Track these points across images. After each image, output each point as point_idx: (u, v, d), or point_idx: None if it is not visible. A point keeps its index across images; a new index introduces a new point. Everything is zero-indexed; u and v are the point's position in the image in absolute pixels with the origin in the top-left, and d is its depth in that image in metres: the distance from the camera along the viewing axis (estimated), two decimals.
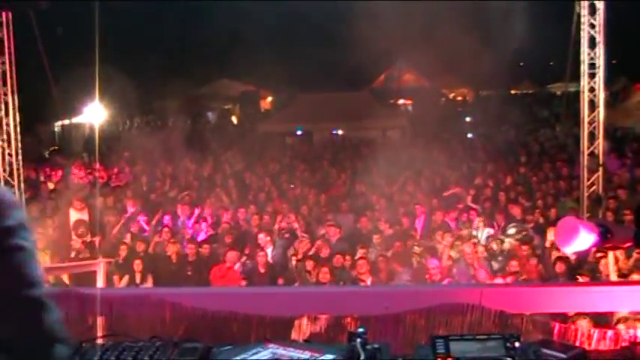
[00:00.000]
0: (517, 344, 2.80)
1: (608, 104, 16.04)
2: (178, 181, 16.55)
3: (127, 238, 12.31)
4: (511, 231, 11.46)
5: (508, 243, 10.93)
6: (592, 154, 12.82)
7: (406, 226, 12.50)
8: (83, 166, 18.21)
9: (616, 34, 13.31)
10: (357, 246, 11.14)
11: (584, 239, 3.55)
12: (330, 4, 19.03)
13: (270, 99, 38.81)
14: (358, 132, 24.87)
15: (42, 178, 17.33)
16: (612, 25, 12.69)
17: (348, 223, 12.89)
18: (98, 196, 13.78)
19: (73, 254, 11.40)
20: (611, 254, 9.09)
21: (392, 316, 3.87)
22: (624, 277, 8.83)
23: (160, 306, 3.99)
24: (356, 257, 10.51)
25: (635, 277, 8.50)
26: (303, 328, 4.18)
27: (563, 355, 2.87)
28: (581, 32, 12.58)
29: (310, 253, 11.07)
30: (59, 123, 29.30)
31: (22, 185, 13.79)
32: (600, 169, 12.81)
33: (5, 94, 13.36)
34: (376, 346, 2.75)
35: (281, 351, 2.85)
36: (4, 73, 13.30)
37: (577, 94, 13.97)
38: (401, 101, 35.50)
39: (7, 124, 13.51)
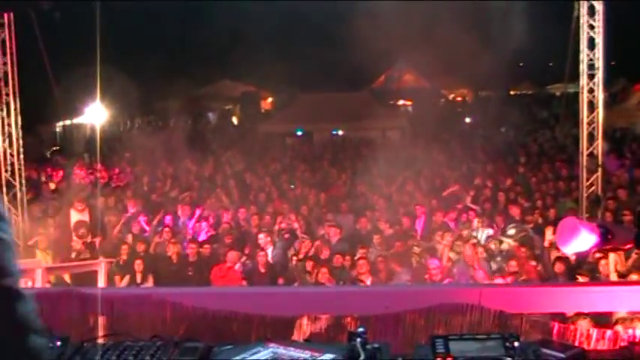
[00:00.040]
0: (516, 344, 2.82)
1: (608, 105, 16.06)
2: (179, 182, 16.57)
3: (128, 239, 12.32)
4: (511, 231, 11.48)
5: (507, 244, 10.94)
6: (591, 155, 12.84)
7: (406, 226, 12.51)
8: (84, 166, 18.23)
9: (615, 35, 13.32)
10: (357, 246, 11.15)
11: (584, 240, 3.57)
12: (330, 4, 19.02)
13: (270, 99, 38.81)
14: (358, 132, 24.89)
15: (43, 179, 17.36)
16: (611, 26, 12.71)
17: (348, 223, 12.91)
18: (99, 196, 13.81)
19: (73, 255, 11.42)
20: (612, 255, 9.11)
21: (392, 316, 3.88)
22: (623, 278, 8.85)
23: (160, 306, 4.00)
24: (356, 257, 10.52)
25: (633, 277, 8.51)
26: (303, 328, 4.20)
27: (562, 355, 2.89)
28: (581, 33, 12.60)
29: (310, 253, 11.10)
30: (60, 123, 29.34)
31: (24, 185, 13.81)
32: (599, 169, 12.84)
33: (7, 95, 13.41)
34: (376, 345, 2.77)
35: (281, 350, 2.87)
36: (5, 73, 13.34)
37: (576, 95, 14.00)
38: (401, 102, 35.52)
39: (9, 125, 13.56)
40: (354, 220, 13.11)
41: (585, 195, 12.79)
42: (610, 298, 4.17)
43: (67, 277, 10.66)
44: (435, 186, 15.31)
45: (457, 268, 10.35)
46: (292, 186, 16.32)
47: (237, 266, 10.74)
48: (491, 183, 15.24)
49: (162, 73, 28.00)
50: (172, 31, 30.28)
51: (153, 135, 21.80)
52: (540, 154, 19.06)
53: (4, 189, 13.54)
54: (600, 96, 12.80)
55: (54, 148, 24.64)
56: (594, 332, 3.89)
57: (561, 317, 5.52)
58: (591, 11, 12.50)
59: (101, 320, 4.00)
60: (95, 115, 24.50)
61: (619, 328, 6.09)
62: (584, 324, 5.73)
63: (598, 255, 9.22)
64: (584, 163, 12.83)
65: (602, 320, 6.43)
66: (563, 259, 9.68)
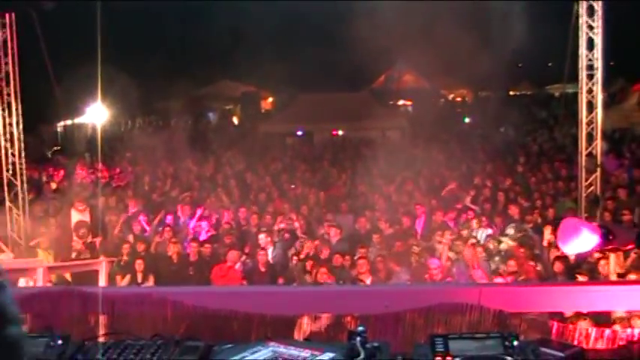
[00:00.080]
0: (515, 343, 2.84)
1: (606, 105, 16.08)
2: (180, 181, 16.58)
3: (129, 238, 12.32)
4: (510, 231, 11.49)
5: (505, 243, 10.95)
6: (590, 155, 12.87)
7: (406, 226, 12.53)
8: (85, 166, 18.25)
9: (614, 35, 13.33)
10: (357, 246, 11.16)
11: (586, 240, 3.59)
12: (330, 4, 19.01)
13: (270, 99, 38.82)
14: (358, 132, 24.89)
15: (44, 178, 17.38)
16: (610, 26, 12.72)
17: (348, 223, 12.93)
18: (100, 196, 13.84)
19: (73, 255, 11.43)
20: (612, 256, 9.11)
21: (391, 315, 3.89)
22: (621, 278, 8.86)
23: (161, 305, 4.02)
24: (356, 257, 10.53)
25: (631, 277, 8.52)
26: (303, 327, 4.21)
27: (561, 354, 2.91)
28: (580, 33, 12.63)
29: (311, 253, 11.10)
30: (62, 123, 29.37)
31: (25, 185, 13.85)
32: (598, 169, 12.87)
33: (8, 95, 13.44)
34: (376, 344, 2.79)
35: (281, 349, 2.88)
36: (7, 73, 13.37)
37: (575, 95, 14.01)
38: (401, 102, 35.53)
39: (10, 124, 13.60)
40: (353, 219, 13.13)
41: (584, 195, 12.81)
42: (609, 298, 4.19)
43: (68, 277, 10.68)
44: (435, 186, 15.32)
45: (456, 268, 10.37)
46: (292, 186, 16.34)
47: (238, 266, 10.75)
48: (491, 183, 15.26)
49: (163, 73, 28.02)
50: (173, 31, 30.28)
51: (154, 135, 21.81)
52: (539, 154, 19.08)
53: (6, 188, 13.58)
54: (599, 96, 12.82)
55: (55, 148, 24.67)
56: (593, 331, 3.92)
57: (560, 317, 5.54)
58: (590, 11, 12.52)
59: (102, 319, 4.02)
60: (96, 114, 24.57)
61: (617, 327, 6.11)
62: (583, 324, 5.75)
63: (597, 255, 9.23)
64: (583, 163, 12.86)
65: (601, 319, 6.44)
66: (563, 258, 9.70)
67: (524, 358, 2.79)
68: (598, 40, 12.58)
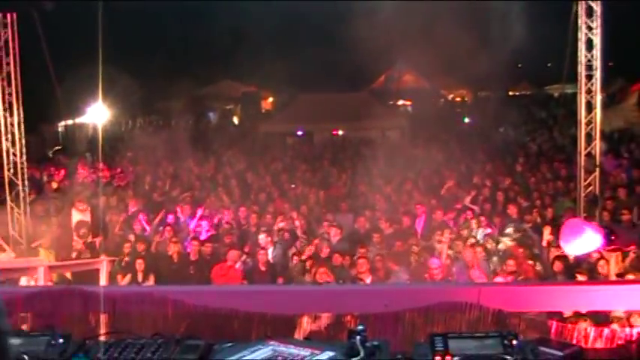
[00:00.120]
0: (515, 342, 2.85)
1: (605, 105, 16.10)
2: (180, 181, 16.60)
3: (131, 237, 12.33)
4: (509, 231, 11.50)
5: (503, 243, 10.95)
6: (589, 155, 12.89)
7: (407, 225, 12.54)
8: (86, 165, 18.27)
9: (613, 35, 13.36)
10: (357, 245, 11.16)
11: (590, 241, 3.61)
12: (330, 4, 19.02)
13: (271, 99, 38.84)
14: (358, 132, 24.92)
15: (46, 178, 17.41)
16: (609, 26, 12.74)
17: (348, 222, 12.94)
18: (101, 195, 13.86)
19: (74, 255, 11.45)
20: (613, 256, 9.14)
21: (391, 315, 3.91)
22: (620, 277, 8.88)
23: (162, 303, 4.04)
24: (356, 256, 10.53)
25: (629, 277, 8.53)
26: (303, 326, 4.23)
27: (559, 353, 2.93)
28: (579, 34, 12.65)
29: (311, 252, 11.10)
30: (63, 123, 29.38)
31: (27, 184, 13.87)
32: (597, 169, 12.89)
33: (10, 95, 13.48)
34: (375, 343, 2.80)
35: (281, 348, 2.89)
36: (8, 73, 13.41)
37: (574, 96, 14.03)
38: (400, 102, 35.54)
39: (12, 124, 13.64)
40: (353, 219, 13.14)
41: (583, 195, 12.84)
42: (608, 297, 4.20)
43: (69, 276, 10.69)
44: (434, 185, 15.33)
45: (456, 268, 10.38)
46: (293, 185, 16.35)
47: (238, 265, 10.76)
48: (490, 183, 15.28)
49: (164, 73, 28.06)
50: (173, 31, 30.29)
51: (154, 135, 21.81)
52: (539, 154, 19.10)
53: (7, 188, 13.61)
54: (598, 96, 12.85)
55: (56, 148, 24.68)
56: (592, 331, 3.93)
57: (559, 316, 5.55)
58: (589, 12, 12.54)
59: (103, 318, 4.03)
60: (97, 114, 24.61)
61: (615, 326, 6.12)
62: (582, 324, 5.76)
63: (596, 255, 9.24)
64: (582, 163, 12.89)
65: (600, 319, 6.46)
66: (562, 258, 9.72)
67: (524, 357, 2.80)
68: (597, 41, 12.60)
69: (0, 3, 13.06)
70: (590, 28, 12.59)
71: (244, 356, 2.84)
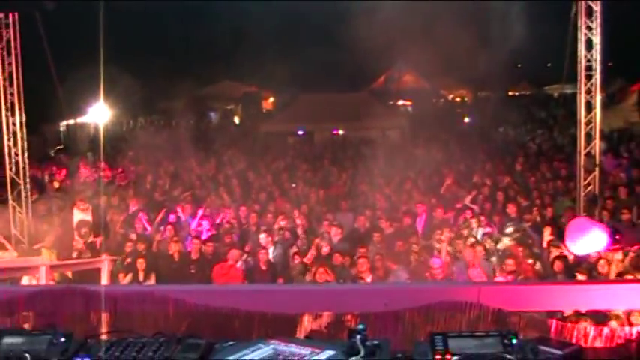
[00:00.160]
0: (514, 341, 2.85)
1: (605, 105, 16.12)
2: (182, 180, 16.62)
3: (133, 236, 12.35)
4: (509, 230, 11.51)
5: (502, 243, 10.97)
6: (589, 155, 12.91)
7: (407, 224, 12.54)
8: (88, 165, 18.31)
9: (612, 35, 13.38)
10: (357, 244, 11.16)
11: (596, 240, 3.62)
12: (330, 4, 19.04)
13: (271, 99, 38.90)
14: (358, 132, 24.96)
15: (47, 177, 17.45)
16: (609, 26, 12.76)
17: (348, 221, 12.95)
18: (103, 195, 13.89)
19: (75, 254, 11.46)
20: (615, 255, 9.15)
21: (391, 314, 3.92)
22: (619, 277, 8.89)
23: (163, 303, 4.05)
24: (356, 256, 10.53)
25: (628, 277, 8.55)
26: (304, 325, 4.23)
27: (559, 352, 2.93)
28: (578, 34, 12.66)
29: (311, 252, 11.10)
30: (64, 123, 29.44)
31: (28, 184, 13.90)
32: (597, 169, 12.91)
33: (12, 95, 13.53)
34: (376, 342, 2.81)
35: (282, 347, 2.90)
36: (10, 73, 13.46)
37: (574, 96, 14.04)
38: (400, 102, 35.58)
39: (14, 124, 13.68)
40: (353, 218, 13.15)
41: (583, 194, 12.85)
42: (607, 296, 4.21)
43: (70, 275, 10.71)
44: (434, 185, 15.34)
45: (456, 267, 10.39)
46: (293, 185, 16.37)
47: (239, 264, 10.77)
48: (490, 182, 15.29)
49: (165, 73, 28.11)
50: (174, 31, 30.37)
51: (155, 134, 21.83)
52: (538, 154, 19.12)
53: (9, 187, 13.65)
54: (598, 96, 12.87)
55: (58, 147, 24.72)
56: (591, 330, 3.94)
57: (559, 315, 5.57)
58: (589, 12, 12.55)
59: (104, 317, 4.04)
60: (99, 114, 24.66)
61: (612, 323, 6.14)
62: (581, 322, 5.78)
63: (595, 255, 9.25)
64: (582, 163, 12.91)
65: (600, 318, 6.47)
66: (562, 258, 9.73)
67: (523, 356, 2.80)
68: (596, 41, 12.63)
69: (2, 3, 13.10)
70: (589, 28, 12.61)
71: (245, 355, 2.84)
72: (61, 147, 24.84)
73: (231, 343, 3.01)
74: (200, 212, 13.39)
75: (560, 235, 10.91)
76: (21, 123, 13.70)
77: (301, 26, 26.53)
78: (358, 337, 2.78)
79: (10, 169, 13.73)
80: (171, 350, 2.89)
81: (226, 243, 11.63)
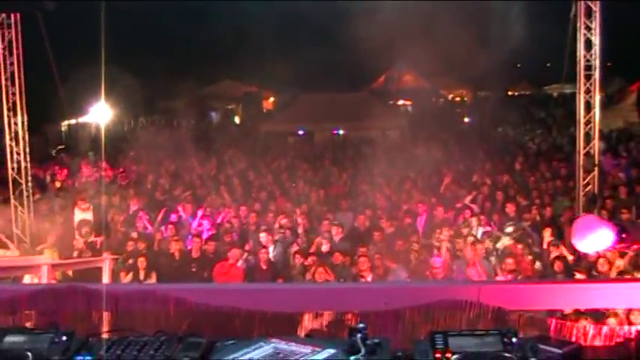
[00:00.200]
0: (514, 340, 2.86)
1: (604, 105, 16.15)
2: (182, 180, 16.64)
3: (134, 235, 12.36)
4: (508, 229, 11.52)
5: (502, 242, 10.97)
6: (588, 155, 12.93)
7: (408, 224, 12.56)
8: (89, 164, 18.33)
9: (612, 35, 13.40)
10: (357, 243, 11.17)
11: (603, 238, 3.61)
12: (330, 4, 19.05)
13: (272, 99, 38.93)
14: (359, 132, 24.98)
15: (49, 177, 17.47)
16: (608, 26, 12.78)
17: (348, 221, 12.96)
18: (104, 194, 13.91)
19: (75, 254, 11.48)
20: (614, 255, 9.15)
21: (392, 313, 3.92)
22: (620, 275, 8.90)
23: (164, 301, 4.05)
24: (357, 255, 10.53)
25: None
26: (304, 324, 4.24)
27: (559, 351, 2.95)
28: (578, 34, 12.67)
29: (311, 251, 11.11)
30: (66, 122, 29.49)
31: (30, 183, 13.92)
32: (596, 169, 12.93)
33: (13, 94, 13.55)
34: (376, 341, 2.82)
35: (283, 346, 2.91)
36: (12, 73, 13.48)
37: (573, 96, 14.06)
38: (400, 102, 35.62)
39: (16, 124, 13.71)
40: (353, 217, 13.17)
41: (582, 194, 12.87)
42: (607, 295, 4.22)
43: (71, 274, 10.73)
44: (434, 184, 15.36)
45: (456, 266, 10.40)
46: (294, 184, 16.39)
47: (240, 263, 10.78)
48: (490, 182, 15.31)
49: (166, 73, 28.16)
50: (176, 31, 30.40)
51: (157, 134, 21.86)
52: (538, 154, 19.14)
53: (11, 187, 13.68)
54: (597, 96, 12.89)
55: (59, 147, 24.77)
56: (591, 328, 3.94)
57: (559, 314, 5.58)
58: (588, 12, 12.57)
59: (106, 316, 4.05)
60: (100, 114, 24.69)
61: (611, 321, 6.15)
62: (581, 321, 5.78)
63: (595, 254, 9.26)
64: (581, 163, 12.93)
65: (599, 317, 6.48)
66: (562, 258, 9.75)
67: (523, 354, 2.81)
68: (596, 41, 12.64)
69: (3, 3, 13.12)
70: (589, 28, 12.63)
71: (246, 354, 2.85)
72: (63, 147, 24.89)
73: (232, 341, 3.02)
74: (201, 211, 13.40)
75: (559, 235, 10.93)
76: (23, 123, 13.72)
77: (301, 26, 26.55)
78: (359, 335, 2.79)
79: (12, 169, 13.76)
80: (172, 349, 2.90)
81: (227, 242, 11.64)
